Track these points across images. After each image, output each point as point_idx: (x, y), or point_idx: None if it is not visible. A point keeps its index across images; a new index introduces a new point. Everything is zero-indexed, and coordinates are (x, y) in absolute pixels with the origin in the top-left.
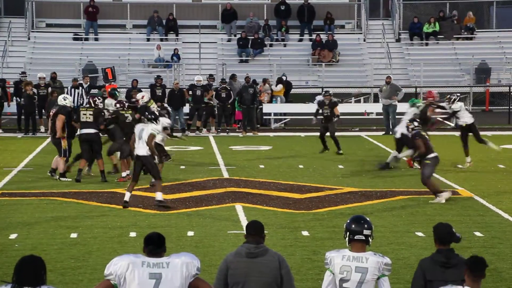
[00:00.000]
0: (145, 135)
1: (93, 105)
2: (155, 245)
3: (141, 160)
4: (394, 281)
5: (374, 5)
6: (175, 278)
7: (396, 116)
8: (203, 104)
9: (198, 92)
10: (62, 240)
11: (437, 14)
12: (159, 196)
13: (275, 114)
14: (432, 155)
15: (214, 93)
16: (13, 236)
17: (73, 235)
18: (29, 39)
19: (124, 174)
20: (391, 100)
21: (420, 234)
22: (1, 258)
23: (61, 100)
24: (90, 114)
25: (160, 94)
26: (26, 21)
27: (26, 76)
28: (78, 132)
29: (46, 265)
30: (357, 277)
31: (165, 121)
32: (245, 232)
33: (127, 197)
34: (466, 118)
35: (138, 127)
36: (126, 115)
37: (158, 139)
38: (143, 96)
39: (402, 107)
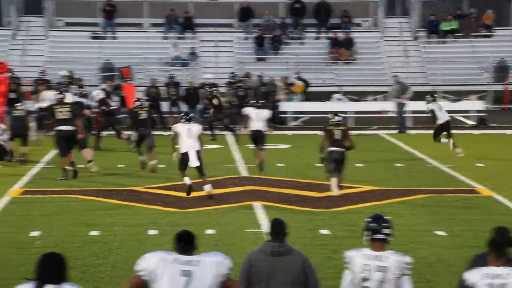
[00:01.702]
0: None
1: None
2: (186, 243)
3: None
4: (414, 280)
5: (391, 3)
6: (205, 276)
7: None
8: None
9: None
10: (83, 238)
11: (455, 11)
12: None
13: (293, 112)
14: (329, 149)
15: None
16: (34, 233)
17: (94, 233)
18: (47, 38)
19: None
20: (399, 99)
21: (440, 233)
22: (23, 256)
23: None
24: (66, 111)
25: (174, 92)
26: (45, 20)
27: (46, 75)
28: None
29: (67, 262)
30: (377, 276)
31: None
32: (267, 230)
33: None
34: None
35: (183, 127)
36: (140, 112)
37: None
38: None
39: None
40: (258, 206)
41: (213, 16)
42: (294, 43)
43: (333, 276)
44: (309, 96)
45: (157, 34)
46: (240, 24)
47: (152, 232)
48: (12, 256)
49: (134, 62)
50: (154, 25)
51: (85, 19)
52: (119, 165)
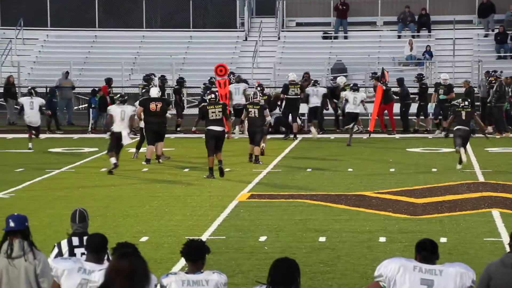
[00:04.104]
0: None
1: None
2: (428, 252)
3: None
4: None
5: None
6: (447, 286)
7: None
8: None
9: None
10: (311, 244)
11: None
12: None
13: None
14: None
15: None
16: (262, 238)
17: (322, 239)
18: (279, 38)
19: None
20: None
21: None
22: (252, 261)
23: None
24: (219, 112)
25: (418, 91)
26: (277, 20)
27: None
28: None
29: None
30: None
31: None
32: (508, 240)
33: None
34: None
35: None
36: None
37: None
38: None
39: None
40: (496, 214)
41: (451, 13)
42: None
43: None
44: None
45: (391, 32)
46: (480, 21)
47: (382, 239)
48: (241, 261)
49: (366, 62)
50: (387, 23)
51: (316, 19)
52: (349, 169)
